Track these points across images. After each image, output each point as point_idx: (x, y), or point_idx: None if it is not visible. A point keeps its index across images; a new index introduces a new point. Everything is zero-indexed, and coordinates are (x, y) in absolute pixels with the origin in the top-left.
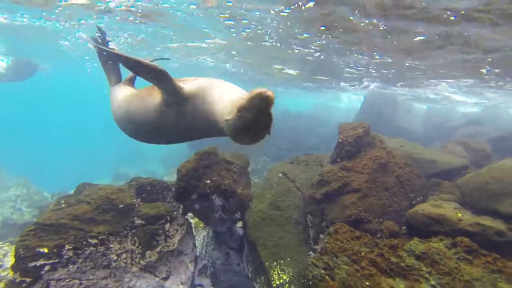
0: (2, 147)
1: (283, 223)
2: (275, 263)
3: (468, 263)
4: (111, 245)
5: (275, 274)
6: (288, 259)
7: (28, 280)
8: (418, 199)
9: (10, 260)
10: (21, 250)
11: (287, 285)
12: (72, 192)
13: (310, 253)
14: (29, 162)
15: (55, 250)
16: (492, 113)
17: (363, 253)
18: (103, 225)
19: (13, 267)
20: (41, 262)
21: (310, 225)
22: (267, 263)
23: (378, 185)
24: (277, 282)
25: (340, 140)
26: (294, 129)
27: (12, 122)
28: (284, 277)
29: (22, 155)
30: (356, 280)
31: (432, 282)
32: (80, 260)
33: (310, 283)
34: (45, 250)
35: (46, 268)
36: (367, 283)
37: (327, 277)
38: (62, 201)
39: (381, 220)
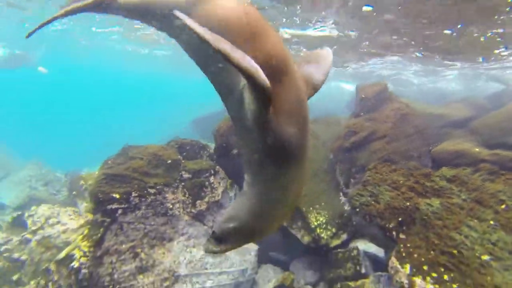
0: (13, 130)
1: (316, 173)
2: (311, 208)
3: (490, 182)
4: (167, 195)
5: (313, 217)
6: (322, 203)
7: (108, 220)
8: (435, 145)
9: (66, 216)
10: (99, 194)
11: (324, 225)
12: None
13: (341, 197)
14: (38, 144)
15: (124, 196)
16: None
17: (401, 182)
18: (157, 178)
19: (94, 210)
20: (115, 205)
21: (339, 173)
22: (304, 209)
23: (400, 132)
24: (315, 223)
25: (362, 96)
26: None
27: (23, 106)
28: (321, 219)
29: (30, 137)
30: (399, 202)
31: (463, 197)
32: (143, 207)
33: (358, 209)
34: (117, 196)
35: (119, 211)
36: (408, 204)
37: (373, 202)
38: (110, 161)
39: (405, 162)
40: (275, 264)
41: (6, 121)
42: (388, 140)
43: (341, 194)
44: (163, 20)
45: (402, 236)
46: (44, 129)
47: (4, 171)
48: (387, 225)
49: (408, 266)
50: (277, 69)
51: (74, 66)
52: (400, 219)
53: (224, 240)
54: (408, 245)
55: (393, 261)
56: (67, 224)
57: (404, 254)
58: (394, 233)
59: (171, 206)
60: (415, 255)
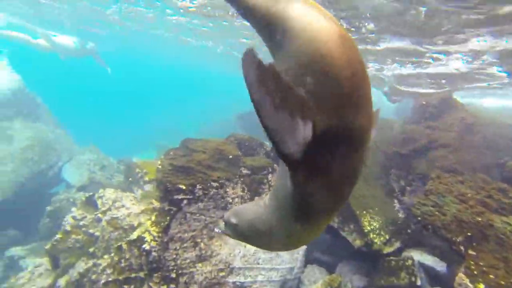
0: (73, 116)
1: (367, 177)
2: (364, 212)
3: None
4: (227, 190)
5: (366, 221)
6: (376, 208)
7: (174, 209)
8: (505, 158)
9: (128, 201)
10: (168, 184)
11: (377, 230)
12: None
13: (395, 203)
14: (94, 131)
15: (190, 187)
16: None
17: (469, 195)
18: (219, 172)
19: (162, 198)
20: (181, 196)
21: (394, 179)
22: (357, 212)
23: (465, 142)
24: (368, 228)
25: (423, 103)
26: None
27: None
28: (374, 224)
29: (87, 123)
30: (468, 215)
31: None
32: (205, 199)
33: (419, 218)
34: (183, 187)
35: (185, 202)
36: (479, 219)
37: (437, 212)
38: (172, 152)
39: (471, 174)
40: (320, 264)
41: (67, 107)
42: (452, 150)
43: (395, 201)
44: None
45: (471, 252)
46: (99, 116)
47: (69, 154)
48: (453, 238)
49: (482, 286)
50: (354, 143)
51: (129, 56)
52: (469, 234)
53: (226, 227)
54: (481, 263)
55: (462, 278)
56: (130, 209)
57: (476, 272)
58: (461, 247)
59: (230, 200)
60: (491, 276)
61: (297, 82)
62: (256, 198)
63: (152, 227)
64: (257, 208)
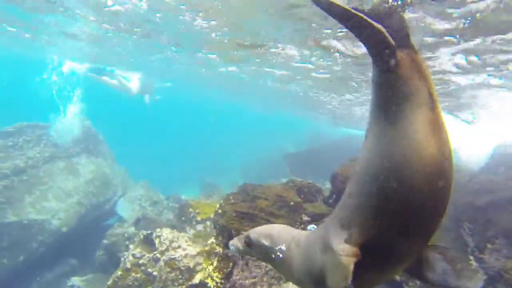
0: (127, 151)
1: None
2: None
3: None
4: None
5: None
6: None
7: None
8: None
9: (184, 241)
10: (233, 230)
11: None
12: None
13: (471, 261)
14: (145, 166)
15: None
16: None
17: None
18: (281, 219)
19: (226, 244)
20: None
21: (468, 233)
22: None
23: None
24: None
25: (503, 151)
26: None
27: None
28: None
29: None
30: None
31: None
32: None
33: None
34: None
35: None
36: None
37: None
38: (231, 197)
39: None
40: None
41: (122, 142)
42: None
43: (471, 258)
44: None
45: None
46: (147, 151)
47: (123, 189)
48: None
49: None
50: None
51: (177, 93)
52: None
53: (252, 247)
54: None
55: None
56: (186, 250)
57: None
58: None
59: None
60: None
61: None
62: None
63: (214, 272)
64: (289, 238)
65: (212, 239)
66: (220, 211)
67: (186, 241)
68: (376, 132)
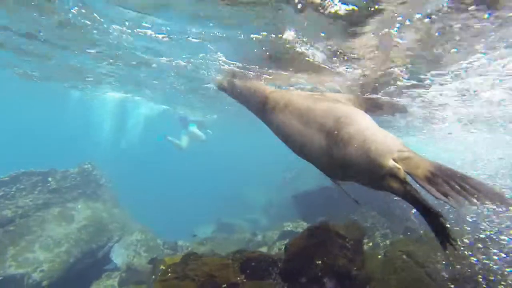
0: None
1: None
2: None
3: None
4: None
5: None
6: None
7: None
8: None
9: None
10: None
11: None
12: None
13: None
14: (146, 207)
15: None
16: None
17: None
18: None
19: None
20: None
21: None
22: None
23: None
24: None
25: None
26: None
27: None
28: None
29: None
30: None
31: None
32: None
33: None
34: None
35: None
36: None
37: None
38: (170, 270)
39: None
40: None
41: (129, 183)
42: None
43: None
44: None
45: None
46: (151, 194)
47: (120, 234)
48: None
49: None
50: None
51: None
52: None
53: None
54: None
55: None
56: None
57: None
58: None
59: None
60: None
61: None
62: None
63: None
64: None
65: None
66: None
67: None
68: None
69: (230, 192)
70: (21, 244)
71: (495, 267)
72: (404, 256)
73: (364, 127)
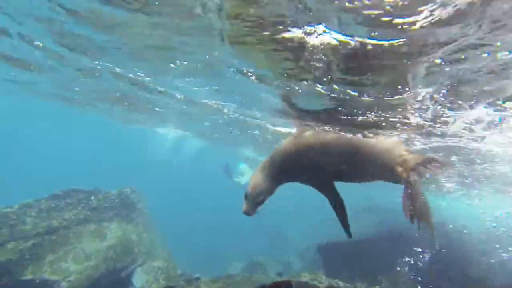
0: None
1: None
2: None
3: None
4: None
5: None
6: None
7: None
8: None
9: None
10: None
11: None
12: None
13: None
14: (181, 236)
15: None
16: None
17: None
18: None
19: None
20: None
21: None
22: None
23: None
24: None
25: None
26: None
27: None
28: None
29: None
30: None
31: None
32: None
33: None
34: None
35: None
36: None
37: None
38: None
39: None
40: None
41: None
42: None
43: None
44: None
45: None
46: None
47: (144, 258)
48: None
49: None
50: None
51: None
52: None
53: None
54: None
55: None
56: None
57: None
58: None
59: None
60: None
61: None
62: None
63: None
64: None
65: None
66: None
67: None
68: None
69: (272, 229)
70: (59, 253)
71: None
72: None
73: None
